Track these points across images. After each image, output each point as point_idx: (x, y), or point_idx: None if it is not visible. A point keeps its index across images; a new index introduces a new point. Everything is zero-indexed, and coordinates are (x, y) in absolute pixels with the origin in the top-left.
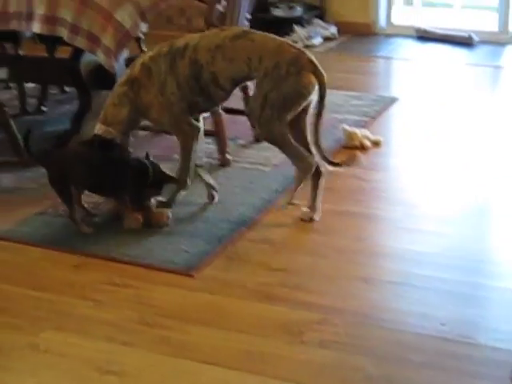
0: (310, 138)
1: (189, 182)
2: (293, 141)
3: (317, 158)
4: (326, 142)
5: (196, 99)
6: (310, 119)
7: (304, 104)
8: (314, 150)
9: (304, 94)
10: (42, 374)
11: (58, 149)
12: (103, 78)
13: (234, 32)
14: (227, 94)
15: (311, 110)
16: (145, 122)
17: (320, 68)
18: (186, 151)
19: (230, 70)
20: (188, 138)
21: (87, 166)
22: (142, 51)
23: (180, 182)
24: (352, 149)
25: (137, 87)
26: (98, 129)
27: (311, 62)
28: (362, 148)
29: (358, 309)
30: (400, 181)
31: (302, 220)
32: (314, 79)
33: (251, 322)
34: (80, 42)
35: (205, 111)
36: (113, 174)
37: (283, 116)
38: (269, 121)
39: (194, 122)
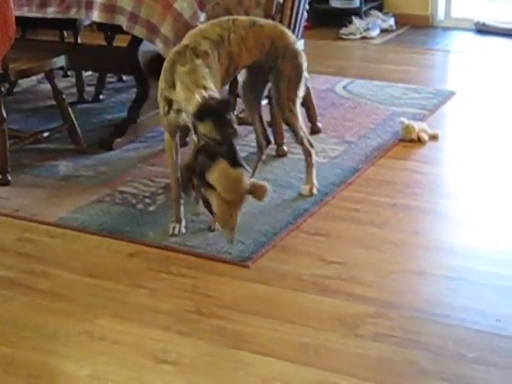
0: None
1: None
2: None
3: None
4: (384, 135)
5: None
6: None
7: None
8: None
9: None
10: (97, 361)
11: None
12: (161, 67)
13: (244, 21)
14: None
15: None
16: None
17: None
18: None
19: (248, 60)
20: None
21: None
22: None
23: None
24: (409, 142)
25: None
26: None
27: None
28: (419, 141)
29: (412, 303)
30: (456, 175)
31: (302, 195)
32: None
33: (306, 314)
34: (139, 30)
35: None
36: None
37: (300, 95)
38: (295, 103)
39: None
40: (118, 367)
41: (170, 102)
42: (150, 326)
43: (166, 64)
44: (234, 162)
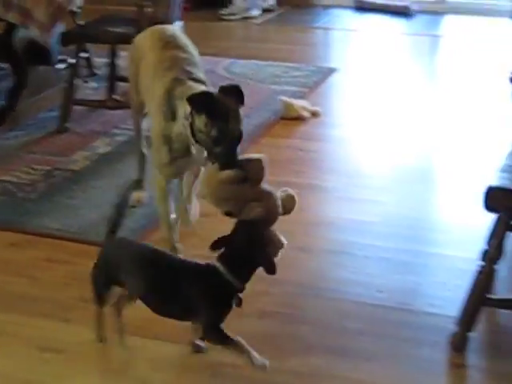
0: None
1: None
2: None
3: None
4: (265, 114)
5: None
6: None
7: None
8: None
9: None
10: None
11: None
12: (38, 53)
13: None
14: None
15: None
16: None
17: None
18: None
19: None
20: None
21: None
22: (76, 25)
23: None
24: (290, 119)
25: None
26: None
27: None
28: (300, 119)
29: (296, 279)
30: (339, 151)
31: None
32: None
33: None
34: (12, 16)
35: None
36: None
37: None
38: None
39: None
40: (2, 358)
41: (171, 144)
42: (34, 315)
43: (159, 100)
44: (225, 165)
